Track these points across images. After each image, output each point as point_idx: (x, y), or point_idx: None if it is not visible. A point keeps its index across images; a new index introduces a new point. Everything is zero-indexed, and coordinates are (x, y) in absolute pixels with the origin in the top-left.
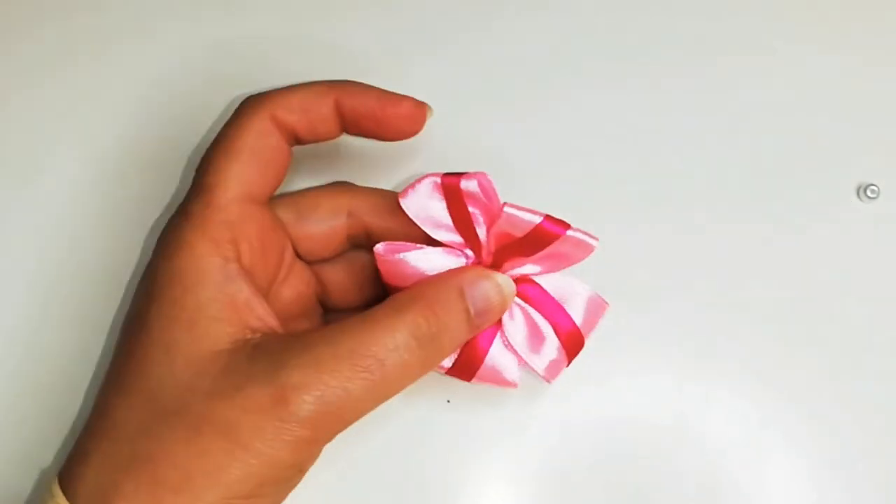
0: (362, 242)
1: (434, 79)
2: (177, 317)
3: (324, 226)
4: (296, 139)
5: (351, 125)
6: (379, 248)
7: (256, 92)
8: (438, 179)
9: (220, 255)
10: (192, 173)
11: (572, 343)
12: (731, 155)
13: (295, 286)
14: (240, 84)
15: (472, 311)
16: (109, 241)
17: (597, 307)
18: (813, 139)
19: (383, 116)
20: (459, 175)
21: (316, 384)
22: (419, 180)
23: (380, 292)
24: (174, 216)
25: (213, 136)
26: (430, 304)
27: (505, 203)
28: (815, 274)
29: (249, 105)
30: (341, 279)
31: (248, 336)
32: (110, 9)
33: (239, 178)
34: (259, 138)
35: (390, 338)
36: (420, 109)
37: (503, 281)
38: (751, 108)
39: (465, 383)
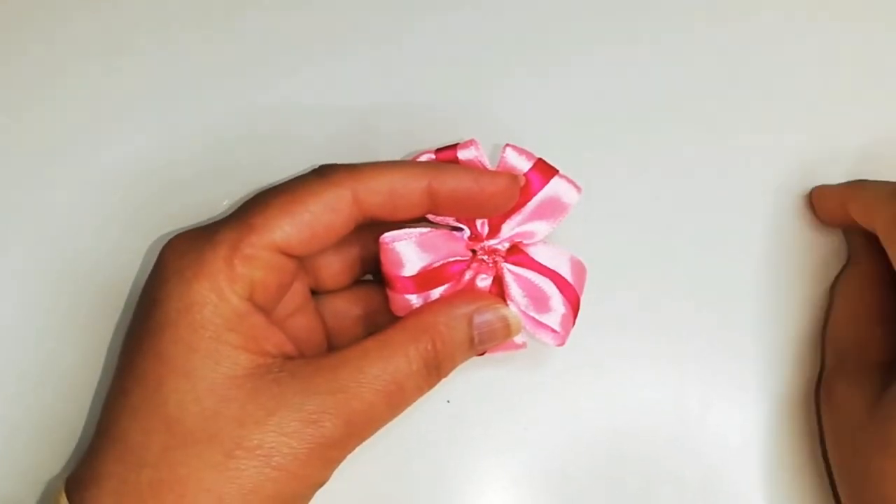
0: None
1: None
2: (196, 345)
3: (339, 260)
4: (371, 219)
5: (444, 207)
6: (386, 237)
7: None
8: (433, 156)
9: (240, 289)
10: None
11: (572, 302)
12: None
13: (305, 321)
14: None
15: (476, 339)
16: (112, 248)
17: (580, 268)
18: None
19: (482, 197)
20: (454, 147)
21: (345, 409)
22: (414, 158)
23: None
24: (199, 235)
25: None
26: (440, 333)
27: (508, 144)
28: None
29: (334, 175)
30: (346, 311)
31: (269, 361)
32: None
33: (283, 233)
34: (325, 211)
35: (407, 365)
36: (516, 184)
37: (510, 313)
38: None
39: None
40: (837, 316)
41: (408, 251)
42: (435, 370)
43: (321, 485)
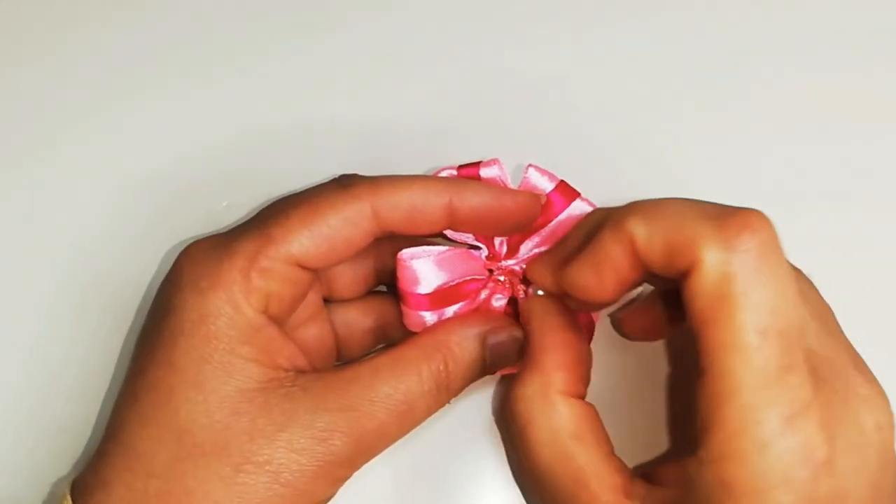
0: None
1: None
2: (209, 357)
3: (354, 270)
4: (389, 233)
5: (464, 224)
6: (403, 254)
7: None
8: (455, 171)
9: (256, 302)
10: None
11: (586, 325)
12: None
13: (317, 330)
14: None
15: (488, 360)
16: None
17: None
18: None
19: (502, 214)
20: (476, 164)
21: (355, 428)
22: (435, 174)
23: (391, 333)
24: (217, 244)
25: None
26: (452, 353)
27: (530, 164)
28: None
29: (354, 188)
30: (357, 321)
31: (281, 375)
32: None
33: (301, 246)
34: (345, 226)
35: (418, 385)
36: (536, 203)
37: (522, 335)
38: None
39: None
40: None
41: (425, 269)
42: (446, 390)
43: (326, 502)
